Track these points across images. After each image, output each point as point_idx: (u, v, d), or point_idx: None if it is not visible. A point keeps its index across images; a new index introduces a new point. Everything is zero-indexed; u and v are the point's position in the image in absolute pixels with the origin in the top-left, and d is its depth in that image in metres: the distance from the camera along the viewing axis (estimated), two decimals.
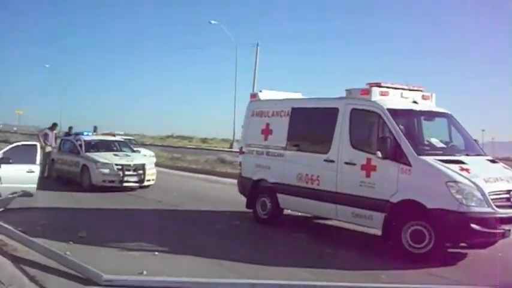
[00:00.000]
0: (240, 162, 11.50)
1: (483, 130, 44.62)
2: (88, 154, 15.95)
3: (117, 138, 18.83)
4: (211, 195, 15.21)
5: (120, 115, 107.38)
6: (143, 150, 22.75)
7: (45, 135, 18.62)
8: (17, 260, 6.96)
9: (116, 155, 16.08)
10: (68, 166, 16.49)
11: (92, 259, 6.97)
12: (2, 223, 8.20)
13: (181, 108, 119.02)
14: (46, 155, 17.81)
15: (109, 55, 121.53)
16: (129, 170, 15.32)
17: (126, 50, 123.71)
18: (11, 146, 11.42)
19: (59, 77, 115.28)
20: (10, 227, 8.07)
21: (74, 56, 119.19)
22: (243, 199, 11.31)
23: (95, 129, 19.25)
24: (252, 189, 10.85)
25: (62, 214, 11.37)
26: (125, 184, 15.22)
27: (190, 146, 52.52)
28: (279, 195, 10.22)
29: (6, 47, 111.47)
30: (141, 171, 15.52)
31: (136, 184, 15.49)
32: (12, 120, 72.06)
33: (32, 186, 11.21)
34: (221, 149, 48.61)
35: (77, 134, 18.00)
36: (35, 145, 11.86)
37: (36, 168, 11.43)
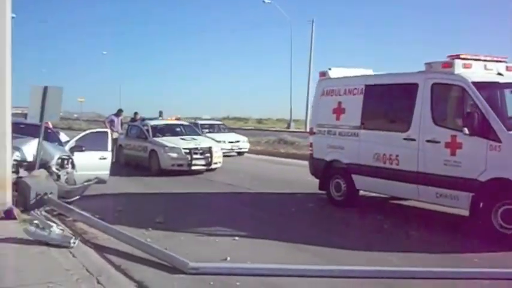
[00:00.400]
0: (311, 143, 11.20)
1: None
2: (156, 139, 16.10)
3: (182, 122, 18.88)
4: (278, 177, 15.08)
5: (176, 99, 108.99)
6: (234, 135, 22.94)
7: (111, 122, 18.92)
8: (99, 249, 6.96)
9: (182, 139, 16.15)
10: (136, 151, 16.71)
11: (172, 246, 6.94)
12: (80, 211, 8.29)
13: (236, 90, 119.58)
14: (113, 141, 18.08)
15: (164, 40, 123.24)
16: (196, 154, 15.37)
17: (179, 34, 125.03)
18: (83, 133, 11.59)
19: (117, 64, 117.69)
20: (89, 215, 8.14)
21: (131, 42, 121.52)
22: (311, 180, 11.07)
23: (161, 114, 19.44)
24: (325, 170, 10.57)
25: (135, 199, 11.49)
26: (193, 167, 15.29)
27: (248, 127, 52.45)
28: (354, 176, 9.89)
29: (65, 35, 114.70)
30: (208, 154, 15.54)
31: (204, 167, 15.52)
32: (74, 108, 74.17)
33: (105, 173, 11.35)
34: (278, 129, 48.50)
35: (143, 119, 18.19)
36: (106, 132, 12.00)
37: (108, 155, 11.57)
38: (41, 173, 9.42)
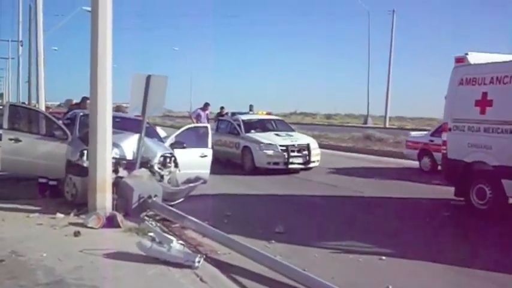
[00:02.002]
0: (444, 142, 9.58)
1: None
2: (249, 135, 14.91)
3: (273, 117, 17.61)
4: (384, 178, 13.49)
5: (244, 94, 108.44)
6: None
7: (198, 116, 17.96)
8: (225, 269, 5.73)
9: (277, 135, 14.87)
10: (227, 148, 15.57)
11: (308, 265, 5.71)
12: (191, 217, 7.12)
13: (302, 85, 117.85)
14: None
15: (232, 34, 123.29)
16: (293, 151, 14.05)
17: (249, 27, 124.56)
18: (182, 129, 10.48)
19: (186, 59, 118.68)
20: (202, 223, 6.96)
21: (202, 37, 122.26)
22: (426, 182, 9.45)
23: (251, 108, 18.21)
24: (464, 173, 8.96)
25: (240, 202, 10.31)
26: (290, 166, 13.96)
27: (319, 123, 50.79)
28: (505, 181, 8.22)
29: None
30: (306, 152, 14.18)
31: (301, 166, 14.17)
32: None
33: (206, 171, 10.23)
34: (354, 125, 46.59)
35: (233, 113, 17.04)
36: (206, 127, 10.89)
37: (209, 152, 10.43)
38: (143, 172, 8.38)
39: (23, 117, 9.61)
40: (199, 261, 5.41)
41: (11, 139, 8.98)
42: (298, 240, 7.12)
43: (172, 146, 9.70)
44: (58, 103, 62.22)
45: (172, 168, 9.00)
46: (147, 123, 10.46)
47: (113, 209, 7.73)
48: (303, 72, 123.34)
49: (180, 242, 5.98)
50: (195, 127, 11.01)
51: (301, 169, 14.31)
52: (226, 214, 8.72)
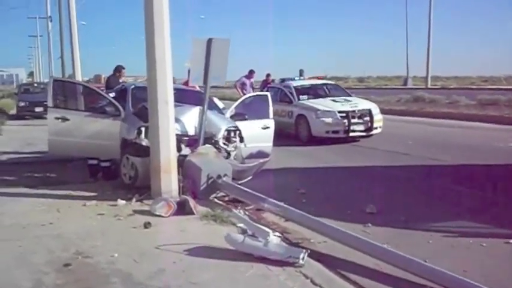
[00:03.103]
0: None
1: None
2: (303, 102, 13.80)
3: (326, 81, 16.42)
4: (457, 142, 12.32)
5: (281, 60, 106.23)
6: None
7: (243, 85, 16.89)
8: (330, 264, 4.74)
9: (334, 100, 13.72)
10: (279, 117, 14.29)
11: (427, 255, 4.72)
12: (271, 199, 6.14)
13: (329, 49, 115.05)
14: None
15: None
16: (354, 118, 12.91)
17: None
18: (241, 98, 9.46)
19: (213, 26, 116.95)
20: (285, 205, 5.97)
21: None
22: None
23: (301, 73, 16.99)
24: None
25: (307, 176, 9.28)
26: (351, 134, 12.85)
27: (355, 87, 49.12)
28: None
29: None
30: (367, 118, 13.04)
31: (363, 133, 13.05)
32: (180, 74, 73.35)
33: (268, 145, 9.24)
34: (393, 87, 44.89)
35: (283, 80, 15.88)
36: (266, 95, 9.83)
37: (271, 123, 9.42)
38: (208, 149, 7.43)
39: (69, 93, 8.70)
40: (303, 258, 4.45)
41: (57, 118, 8.10)
42: (397, 223, 6.08)
43: (233, 118, 8.70)
44: (87, 79, 61.81)
45: (238, 143, 8.03)
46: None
47: (179, 192, 6.84)
48: (330, 36, 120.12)
49: (277, 233, 4.97)
50: (255, 96, 9.94)
51: (362, 136, 13.20)
52: (300, 192, 7.76)
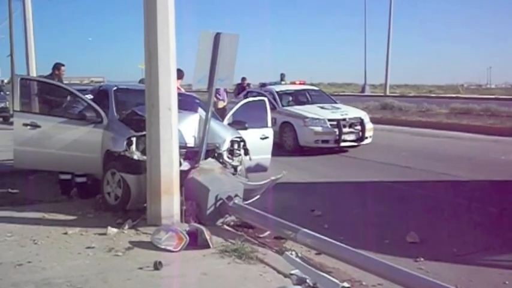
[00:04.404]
0: None
1: None
2: (288, 108, 12.77)
3: (309, 87, 15.45)
4: (454, 154, 11.60)
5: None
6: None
7: (216, 90, 15.66)
8: None
9: (322, 107, 12.76)
10: None
11: None
12: (302, 228, 5.03)
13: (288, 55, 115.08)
14: (219, 112, 14.89)
15: None
16: (345, 127, 11.99)
17: None
18: (239, 104, 8.31)
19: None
20: (321, 236, 4.88)
21: None
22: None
23: (283, 77, 15.92)
24: None
25: (314, 193, 8.30)
26: (342, 144, 11.92)
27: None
28: None
29: None
30: (358, 127, 12.17)
31: (354, 143, 12.15)
32: (136, 75, 70.64)
33: (267, 157, 8.16)
34: (349, 93, 44.53)
35: (263, 84, 14.77)
36: (263, 101, 8.73)
37: (270, 133, 8.35)
38: (213, 164, 6.27)
39: (40, 95, 7.31)
40: None
41: (25, 124, 6.73)
42: (449, 255, 5.15)
43: (232, 127, 7.56)
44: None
45: (242, 157, 6.89)
46: (196, 98, 8.37)
47: (181, 218, 5.65)
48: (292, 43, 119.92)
49: (346, 284, 3.84)
50: (250, 102, 8.80)
51: (351, 146, 12.31)
52: (316, 214, 6.73)
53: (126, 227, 5.58)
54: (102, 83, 8.85)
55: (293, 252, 4.46)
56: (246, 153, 6.93)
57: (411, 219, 6.49)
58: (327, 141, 11.88)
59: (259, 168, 7.83)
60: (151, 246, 4.97)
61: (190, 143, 6.55)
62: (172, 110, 5.53)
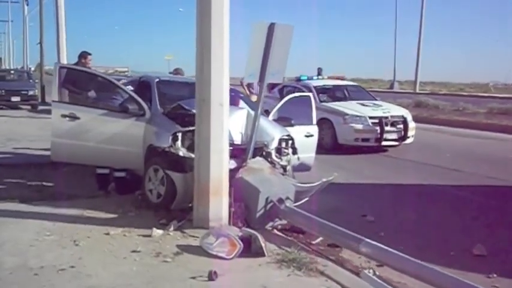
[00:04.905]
0: None
1: None
2: (326, 104, 12.31)
3: (348, 82, 14.95)
4: (498, 157, 11.10)
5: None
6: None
7: (249, 83, 15.24)
8: None
9: (363, 104, 12.27)
10: None
11: None
12: (365, 239, 4.61)
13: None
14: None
15: None
16: (387, 125, 11.49)
17: None
18: (284, 100, 7.87)
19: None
20: (388, 248, 4.44)
21: None
22: None
23: (320, 72, 15.40)
24: None
25: (357, 195, 7.90)
26: (384, 143, 11.44)
27: None
28: None
29: None
30: (401, 126, 11.66)
31: (396, 143, 11.66)
32: (161, 67, 70.36)
33: (311, 156, 7.73)
34: (378, 89, 43.71)
35: (299, 79, 14.25)
36: (309, 97, 8.31)
37: (315, 130, 7.92)
38: (262, 164, 5.87)
39: (79, 85, 6.98)
40: None
41: (64, 115, 6.42)
42: None
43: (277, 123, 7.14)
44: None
45: (290, 156, 6.48)
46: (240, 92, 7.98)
47: (229, 221, 5.28)
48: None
49: None
50: (295, 97, 8.36)
51: (392, 146, 11.81)
52: (368, 220, 6.30)
53: (172, 228, 5.23)
54: (141, 75, 8.42)
55: (371, 271, 4.04)
56: (294, 152, 6.53)
57: (473, 228, 6.03)
58: (367, 140, 11.41)
59: (302, 167, 7.38)
60: (201, 251, 4.60)
61: (237, 140, 6.16)
62: (224, 106, 5.15)
